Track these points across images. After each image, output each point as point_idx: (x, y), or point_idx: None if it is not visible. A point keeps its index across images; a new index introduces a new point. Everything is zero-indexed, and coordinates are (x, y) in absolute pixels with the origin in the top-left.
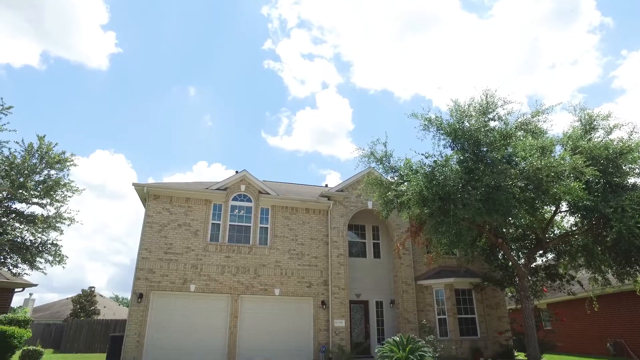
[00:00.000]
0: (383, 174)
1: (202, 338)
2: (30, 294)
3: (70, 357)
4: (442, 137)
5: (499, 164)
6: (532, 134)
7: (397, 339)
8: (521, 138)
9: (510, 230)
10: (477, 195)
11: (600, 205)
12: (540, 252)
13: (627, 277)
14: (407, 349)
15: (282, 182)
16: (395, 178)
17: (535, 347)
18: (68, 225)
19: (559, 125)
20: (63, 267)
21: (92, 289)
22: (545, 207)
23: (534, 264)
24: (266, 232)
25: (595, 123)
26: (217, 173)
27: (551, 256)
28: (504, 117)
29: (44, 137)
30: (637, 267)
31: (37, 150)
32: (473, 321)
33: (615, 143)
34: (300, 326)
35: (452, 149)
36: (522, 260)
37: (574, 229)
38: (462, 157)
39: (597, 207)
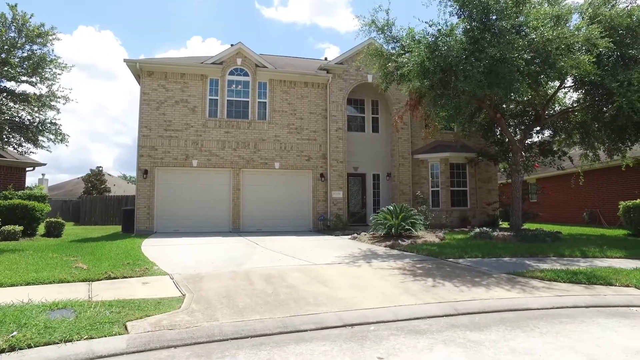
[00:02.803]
0: (384, 45)
1: (207, 209)
2: (43, 174)
3: (90, 229)
4: (448, 2)
5: (506, 33)
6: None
7: (391, 207)
8: (536, 5)
9: (511, 106)
10: (480, 68)
11: (606, 80)
12: (538, 128)
13: (617, 153)
14: (400, 216)
15: (280, 55)
16: (397, 49)
17: (518, 216)
18: (63, 104)
19: None
20: (66, 145)
21: (100, 169)
22: (550, 83)
23: (530, 140)
24: (265, 107)
25: None
26: (212, 48)
27: (547, 134)
28: None
29: (15, 6)
30: (629, 143)
31: (12, 22)
32: (464, 193)
33: None
34: (300, 197)
35: (458, 17)
36: (518, 136)
37: (575, 105)
38: (468, 27)
39: (603, 81)
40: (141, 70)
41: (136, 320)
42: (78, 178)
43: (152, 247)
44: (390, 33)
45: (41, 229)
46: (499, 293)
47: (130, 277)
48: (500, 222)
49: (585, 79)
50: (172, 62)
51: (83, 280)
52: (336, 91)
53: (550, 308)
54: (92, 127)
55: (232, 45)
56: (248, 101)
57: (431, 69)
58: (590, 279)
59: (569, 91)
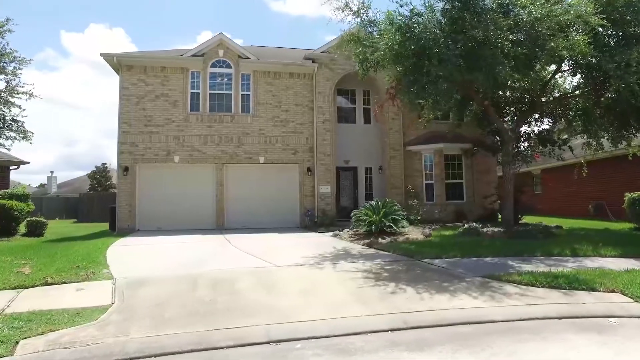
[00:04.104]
0: (361, 30)
1: (190, 206)
2: (52, 172)
3: (83, 226)
4: None
5: (488, 13)
6: None
7: (374, 203)
8: None
9: (507, 93)
10: (456, 50)
11: (603, 61)
12: (536, 116)
13: (621, 141)
14: (381, 212)
15: (270, 46)
16: (375, 33)
17: (510, 211)
18: (27, 100)
19: None
20: (30, 143)
21: (105, 165)
22: (546, 67)
23: (530, 129)
24: (248, 100)
25: None
26: None
27: (547, 122)
28: None
29: None
30: (634, 130)
31: None
32: (460, 186)
33: None
34: (287, 192)
35: None
36: (512, 125)
37: (577, 91)
38: (447, 6)
39: (600, 64)
40: (120, 65)
41: (35, 337)
42: (85, 175)
43: (121, 247)
44: (367, 16)
45: (23, 228)
46: (463, 301)
47: (70, 282)
48: (500, 217)
49: (580, 61)
50: (151, 55)
51: (15, 288)
52: (323, 81)
53: (517, 320)
54: (106, 124)
55: (228, 34)
56: (231, 94)
57: (403, 54)
58: (572, 283)
59: (563, 76)
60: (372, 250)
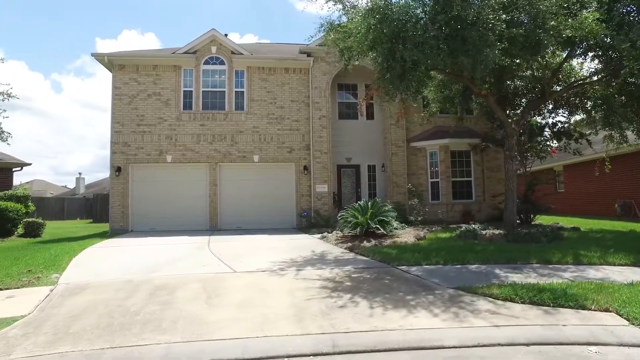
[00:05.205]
0: (343, 16)
1: (184, 206)
2: (80, 173)
3: (90, 227)
4: None
5: None
6: None
7: (362, 203)
8: None
9: (517, 82)
10: (435, 32)
11: (617, 40)
12: (550, 107)
13: None
14: (369, 213)
15: (271, 42)
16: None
17: (512, 211)
18: (2, 100)
19: None
20: (7, 144)
21: None
22: (555, 50)
23: (544, 121)
24: (242, 97)
25: None
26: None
27: (562, 114)
28: None
29: None
30: None
31: None
32: (469, 184)
33: None
34: (283, 192)
35: None
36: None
37: (594, 78)
38: None
39: (612, 43)
40: (111, 64)
41: None
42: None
43: (97, 249)
44: (349, 1)
45: (21, 229)
46: (418, 319)
47: (7, 289)
48: None
49: (591, 42)
50: (143, 54)
51: None
52: (319, 76)
53: (472, 346)
54: None
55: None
56: (224, 91)
57: (377, 38)
58: (558, 299)
59: (578, 61)
60: (350, 255)
